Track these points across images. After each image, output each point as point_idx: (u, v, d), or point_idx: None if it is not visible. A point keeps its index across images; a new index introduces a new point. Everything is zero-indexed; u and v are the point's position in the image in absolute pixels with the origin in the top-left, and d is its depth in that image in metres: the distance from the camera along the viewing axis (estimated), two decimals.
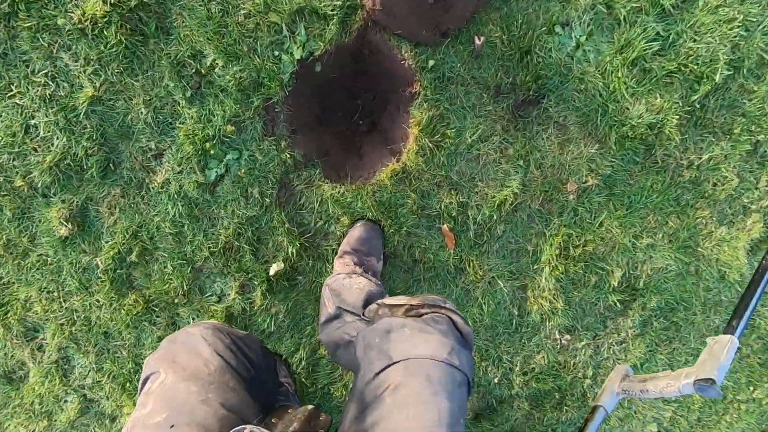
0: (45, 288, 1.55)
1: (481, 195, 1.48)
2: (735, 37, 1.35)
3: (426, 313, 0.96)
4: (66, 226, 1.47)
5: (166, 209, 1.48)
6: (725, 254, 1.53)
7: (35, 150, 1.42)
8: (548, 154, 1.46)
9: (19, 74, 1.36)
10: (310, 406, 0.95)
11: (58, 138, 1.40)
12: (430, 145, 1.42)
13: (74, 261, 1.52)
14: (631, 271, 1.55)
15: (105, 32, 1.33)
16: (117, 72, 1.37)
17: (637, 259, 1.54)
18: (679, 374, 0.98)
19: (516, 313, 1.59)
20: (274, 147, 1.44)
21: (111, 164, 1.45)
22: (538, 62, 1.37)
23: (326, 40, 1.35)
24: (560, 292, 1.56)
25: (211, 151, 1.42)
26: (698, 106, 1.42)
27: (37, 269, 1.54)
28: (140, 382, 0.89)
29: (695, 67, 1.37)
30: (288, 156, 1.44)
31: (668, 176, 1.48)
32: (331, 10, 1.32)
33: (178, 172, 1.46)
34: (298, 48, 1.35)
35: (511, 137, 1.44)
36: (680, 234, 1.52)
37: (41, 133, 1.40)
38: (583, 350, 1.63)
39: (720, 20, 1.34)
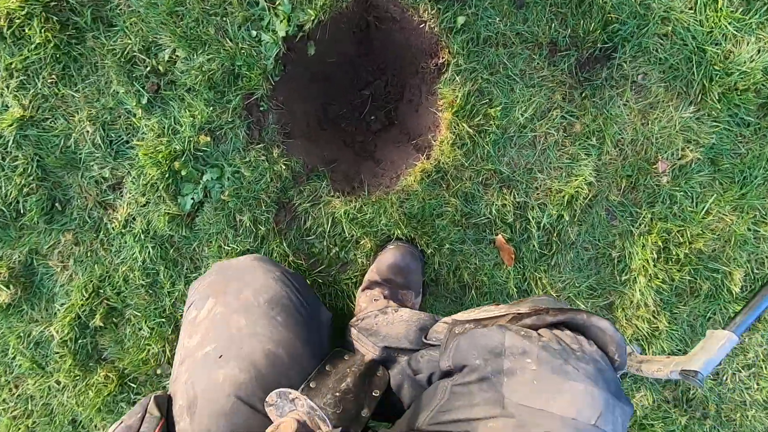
0: None
1: (543, 190, 1.11)
2: None
3: (557, 325, 0.62)
4: (6, 291, 1.13)
5: (133, 254, 1.13)
6: None
7: None
8: (627, 126, 1.09)
9: None
10: (368, 358, 0.86)
11: None
12: (470, 131, 1.06)
13: (22, 334, 1.17)
14: (756, 270, 1.15)
15: (27, 30, 1.01)
16: (50, 82, 1.04)
17: (761, 252, 1.15)
18: (670, 362, 0.99)
19: None
20: (263, 157, 1.09)
21: (57, 203, 1.12)
22: (603, 4, 1.01)
23: (317, 8, 1.00)
24: (661, 307, 1.17)
25: (183, 172, 1.07)
26: None
27: None
28: (186, 305, 0.86)
29: None
30: (283, 167, 1.09)
31: None
32: None
33: (144, 205, 1.11)
34: (281, 22, 1.01)
35: (577, 108, 1.08)
36: None
37: None
38: (707, 393, 1.22)
39: None
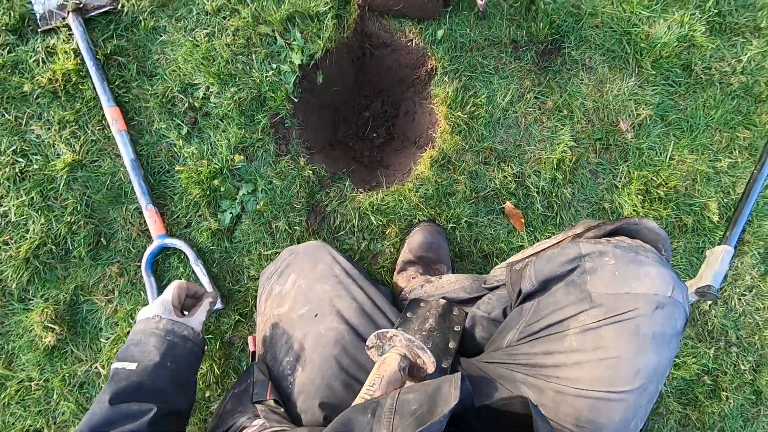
0: (31, 427, 1.16)
1: (535, 160, 1.30)
2: None
3: (613, 235, 0.74)
4: (53, 331, 1.14)
5: (176, 276, 1.20)
6: None
7: (5, 244, 1.16)
8: (588, 98, 1.33)
9: None
10: (442, 300, 0.93)
11: (33, 221, 1.15)
12: (464, 118, 1.26)
13: (67, 376, 1.16)
14: (725, 199, 1.34)
15: (81, 87, 1.18)
16: (99, 128, 1.19)
17: (725, 183, 1.35)
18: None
19: None
20: (292, 167, 1.23)
21: (102, 238, 1.19)
22: (545, 8, 1.30)
23: (324, 39, 1.24)
24: None
25: (221, 189, 1.20)
26: (716, 12, 1.36)
27: (18, 403, 1.16)
28: (260, 293, 0.95)
29: None
30: (311, 173, 1.24)
31: (717, 89, 1.36)
32: (324, 8, 1.23)
33: (186, 226, 1.21)
34: (296, 53, 1.23)
35: (545, 89, 1.31)
36: (757, 143, 1.36)
37: (12, 218, 1.15)
38: (713, 313, 1.33)
39: None
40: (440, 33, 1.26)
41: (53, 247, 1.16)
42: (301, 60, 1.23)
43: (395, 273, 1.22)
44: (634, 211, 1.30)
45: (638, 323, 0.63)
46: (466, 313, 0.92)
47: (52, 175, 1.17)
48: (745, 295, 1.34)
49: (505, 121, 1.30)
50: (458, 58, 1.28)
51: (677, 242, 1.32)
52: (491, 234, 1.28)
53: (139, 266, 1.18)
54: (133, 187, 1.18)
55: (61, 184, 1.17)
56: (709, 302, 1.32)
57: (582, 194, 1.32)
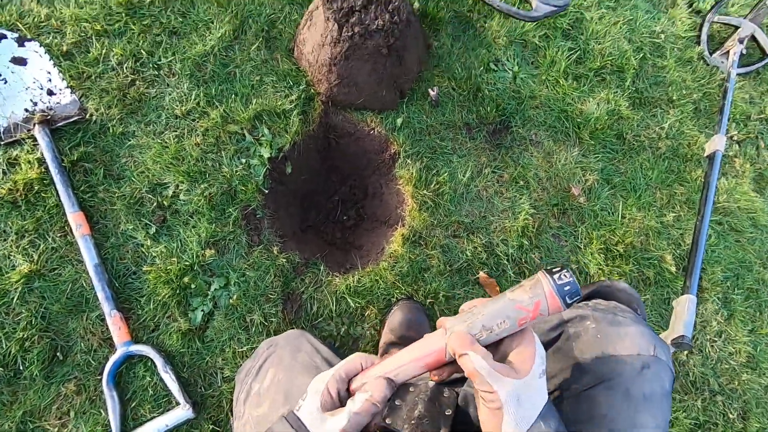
0: None
1: (501, 229, 1.36)
2: (625, 33, 1.60)
3: (589, 298, 0.75)
4: None
5: (143, 387, 1.10)
6: (741, 201, 1.51)
7: None
8: (539, 168, 1.44)
9: None
10: (431, 382, 0.83)
11: None
12: (430, 195, 1.33)
13: None
14: (677, 250, 1.44)
15: (43, 195, 1.15)
16: (60, 235, 1.15)
17: (674, 236, 1.45)
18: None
19: None
20: (265, 256, 1.22)
21: (58, 353, 1.10)
22: (490, 95, 1.45)
23: (291, 133, 1.31)
24: None
25: (192, 286, 1.16)
26: (634, 90, 1.57)
27: None
28: (237, 394, 0.84)
29: (612, 60, 1.55)
30: (284, 261, 1.23)
31: (649, 153, 1.53)
32: (289, 105, 1.32)
33: (153, 330, 1.14)
34: (265, 148, 1.28)
35: (501, 164, 1.42)
36: (693, 197, 1.49)
37: None
38: (691, 362, 1.36)
39: (607, 25, 1.59)
40: (399, 121, 1.37)
41: (0, 369, 1.05)
42: (270, 153, 1.28)
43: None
44: (599, 269, 1.36)
45: (627, 386, 0.63)
46: (457, 393, 0.90)
47: (5, 289, 1.09)
48: (716, 341, 1.38)
49: (468, 195, 1.37)
50: (418, 141, 1.38)
51: (644, 295, 1.38)
52: None
53: (100, 380, 1.08)
54: (96, 293, 1.12)
55: (15, 298, 1.09)
56: (686, 352, 1.35)
57: (549, 257, 1.37)
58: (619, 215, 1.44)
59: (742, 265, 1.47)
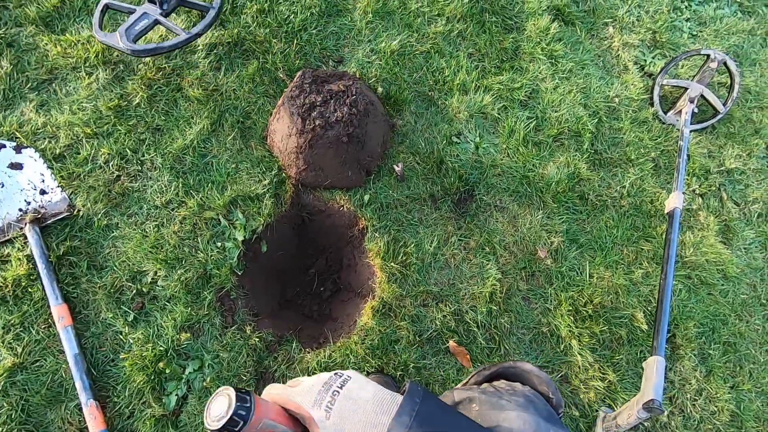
0: None
1: (470, 296, 1.40)
2: (580, 99, 1.70)
3: (495, 378, 0.77)
4: None
5: None
6: (709, 254, 1.54)
7: None
8: (505, 233, 1.49)
9: None
10: None
11: None
12: (398, 267, 1.38)
13: None
14: (648, 307, 1.45)
15: (30, 289, 1.24)
16: (44, 327, 1.22)
17: (644, 292, 1.47)
18: (632, 403, 1.16)
19: (577, 413, 1.31)
20: (239, 336, 1.27)
21: None
22: (453, 167, 1.53)
23: (265, 215, 1.39)
24: (603, 363, 1.36)
25: (167, 371, 1.20)
26: (593, 152, 1.65)
27: None
28: None
29: (569, 126, 1.64)
30: (257, 340, 1.27)
31: (613, 211, 1.58)
32: (262, 190, 1.41)
33: (128, 417, 1.17)
34: (239, 231, 1.36)
35: (466, 231, 1.48)
36: (660, 252, 1.52)
37: None
38: (673, 424, 1.33)
39: (562, 94, 1.70)
40: (366, 197, 1.45)
41: None
42: (244, 236, 1.36)
43: None
44: (570, 331, 1.38)
45: None
46: None
47: None
48: (697, 399, 1.36)
49: (436, 264, 1.42)
50: (385, 215, 1.45)
51: (619, 356, 1.38)
52: (441, 375, 1.30)
53: None
54: (74, 383, 1.16)
55: None
56: (666, 413, 1.33)
57: (519, 321, 1.40)
58: (587, 275, 1.47)
59: (716, 319, 1.47)
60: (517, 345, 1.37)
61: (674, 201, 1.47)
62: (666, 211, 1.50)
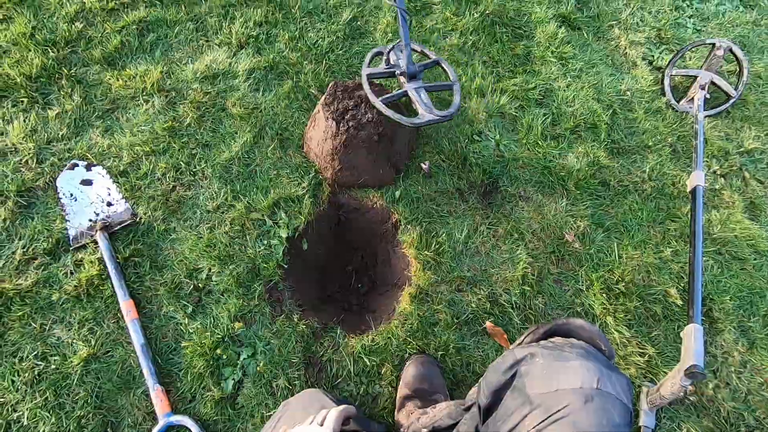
0: None
1: (502, 279, 1.46)
2: (593, 95, 1.80)
3: (549, 336, 0.82)
4: None
5: None
6: (737, 229, 1.56)
7: None
8: (531, 220, 1.56)
9: (5, 370, 1.26)
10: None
11: (44, 421, 1.20)
12: (431, 255, 1.46)
13: None
14: (681, 283, 1.47)
15: (101, 287, 1.37)
16: (113, 321, 1.34)
17: (675, 270, 1.49)
18: (674, 372, 1.16)
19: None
20: (287, 324, 1.36)
21: (109, 428, 1.23)
22: (477, 162, 1.63)
23: (305, 214, 1.51)
24: (641, 338, 1.38)
25: (224, 356, 1.30)
26: (611, 141, 1.72)
27: None
28: None
29: (585, 119, 1.73)
30: (304, 327, 1.36)
31: (636, 195, 1.63)
32: (302, 191, 1.54)
33: (191, 400, 1.26)
34: (283, 229, 1.48)
35: (494, 220, 1.56)
36: (687, 231, 1.56)
37: (24, 422, 1.20)
38: (719, 396, 1.33)
39: (575, 90, 1.80)
40: (398, 194, 1.56)
41: None
42: (288, 233, 1.48)
43: (396, 411, 1.24)
44: (604, 309, 1.41)
45: (573, 419, 0.66)
46: None
47: (67, 372, 1.26)
48: (742, 371, 1.36)
49: (467, 252, 1.50)
50: (416, 209, 1.55)
51: (656, 331, 1.40)
52: (480, 355, 1.35)
53: None
54: (141, 370, 1.27)
55: (75, 380, 1.26)
56: (711, 386, 1.33)
57: (553, 302, 1.44)
58: (616, 255, 1.51)
59: (753, 293, 1.47)
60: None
61: (695, 179, 1.52)
62: (688, 190, 1.55)
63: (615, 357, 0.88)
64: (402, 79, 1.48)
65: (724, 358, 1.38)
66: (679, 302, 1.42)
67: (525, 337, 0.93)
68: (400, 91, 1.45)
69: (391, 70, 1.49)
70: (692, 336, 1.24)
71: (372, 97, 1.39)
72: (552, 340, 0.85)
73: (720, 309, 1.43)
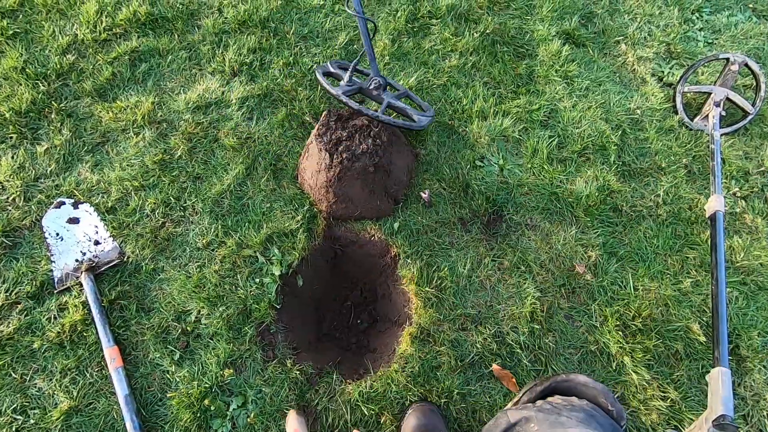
0: None
1: (509, 316, 1.36)
2: (601, 115, 1.71)
3: (549, 394, 0.74)
4: None
5: None
6: (762, 257, 1.45)
7: None
8: (539, 251, 1.47)
9: None
10: None
11: None
12: (432, 291, 1.38)
13: None
14: (704, 317, 1.36)
15: (85, 334, 1.31)
16: (97, 369, 1.27)
17: (697, 302, 1.39)
18: (701, 422, 1.08)
19: None
20: (279, 370, 1.28)
21: None
22: (479, 189, 1.55)
23: (299, 249, 1.44)
24: (662, 379, 1.27)
25: (212, 408, 1.21)
26: (621, 163, 1.63)
27: None
28: None
29: (593, 140, 1.65)
30: (298, 373, 1.28)
31: (651, 220, 1.53)
32: (296, 225, 1.47)
33: None
34: (276, 266, 1.41)
35: (499, 251, 1.47)
36: (707, 259, 1.45)
37: None
38: None
39: (582, 110, 1.72)
40: (396, 225, 1.48)
41: None
42: (281, 271, 1.40)
43: None
44: (621, 347, 1.31)
45: None
46: None
47: (47, 428, 1.19)
48: None
49: (471, 287, 1.41)
50: (416, 241, 1.47)
51: (678, 372, 1.29)
52: (487, 401, 1.25)
53: None
54: (125, 424, 1.19)
55: None
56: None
57: (565, 341, 1.34)
58: (631, 287, 1.41)
59: None
60: (565, 365, 1.30)
61: (714, 204, 1.42)
62: (707, 216, 1.44)
63: (625, 419, 0.79)
64: (375, 92, 1.47)
65: (755, 401, 1.26)
66: (702, 339, 1.31)
67: (522, 395, 0.84)
68: (386, 101, 1.46)
69: (359, 85, 1.48)
70: (719, 381, 1.13)
71: (369, 112, 1.37)
72: (550, 400, 0.76)
73: (747, 346, 1.32)
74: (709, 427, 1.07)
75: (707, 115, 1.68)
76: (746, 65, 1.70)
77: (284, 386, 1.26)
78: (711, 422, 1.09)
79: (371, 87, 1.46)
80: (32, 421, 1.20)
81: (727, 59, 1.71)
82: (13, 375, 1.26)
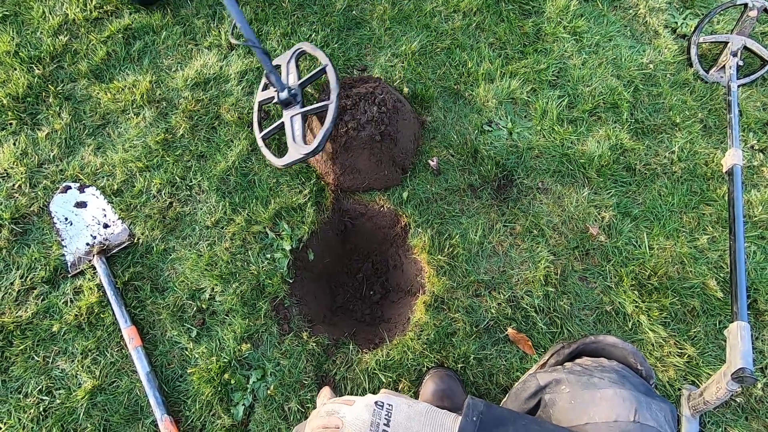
0: None
1: (523, 281, 1.35)
2: (612, 71, 1.65)
3: (576, 357, 0.73)
4: None
5: None
6: None
7: None
8: (551, 214, 1.45)
9: (10, 407, 1.22)
10: None
11: None
12: (444, 259, 1.37)
13: None
14: (721, 273, 1.34)
15: (102, 315, 1.32)
16: (117, 349, 1.29)
17: (713, 259, 1.36)
18: (719, 376, 1.06)
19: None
20: (296, 343, 1.29)
21: None
22: (488, 154, 1.52)
23: (308, 223, 1.43)
24: (679, 337, 1.27)
25: (232, 381, 1.23)
26: (634, 121, 1.58)
27: None
28: None
29: (604, 98, 1.59)
30: (314, 345, 1.28)
31: (665, 178, 1.49)
32: (303, 199, 1.45)
33: (201, 429, 1.21)
34: (286, 241, 1.40)
35: (510, 217, 1.44)
36: (724, 215, 1.42)
37: None
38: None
39: (592, 68, 1.66)
40: (405, 194, 1.45)
41: None
42: (291, 245, 1.40)
43: None
44: (636, 307, 1.30)
45: None
46: None
47: (73, 407, 1.22)
48: None
49: (483, 253, 1.40)
50: (426, 210, 1.45)
51: (695, 329, 1.28)
52: (504, 365, 1.25)
53: None
54: (148, 400, 1.22)
55: (81, 414, 1.21)
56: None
57: (580, 302, 1.33)
58: (646, 247, 1.39)
59: None
60: (580, 327, 1.30)
61: (732, 158, 1.38)
62: (725, 170, 1.40)
63: (654, 378, 0.78)
64: (288, 106, 1.35)
65: None
66: (720, 294, 1.30)
67: (549, 358, 0.83)
68: (277, 122, 1.36)
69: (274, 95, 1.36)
70: (738, 335, 1.12)
71: (256, 131, 1.36)
72: (579, 362, 0.75)
73: (766, 300, 1.30)
74: (728, 380, 1.07)
75: (723, 66, 1.61)
76: (765, 10, 1.61)
77: (301, 358, 1.27)
78: (730, 375, 1.09)
79: (283, 100, 1.34)
80: (58, 401, 1.23)
81: (745, 5, 1.63)
82: (36, 358, 1.28)
